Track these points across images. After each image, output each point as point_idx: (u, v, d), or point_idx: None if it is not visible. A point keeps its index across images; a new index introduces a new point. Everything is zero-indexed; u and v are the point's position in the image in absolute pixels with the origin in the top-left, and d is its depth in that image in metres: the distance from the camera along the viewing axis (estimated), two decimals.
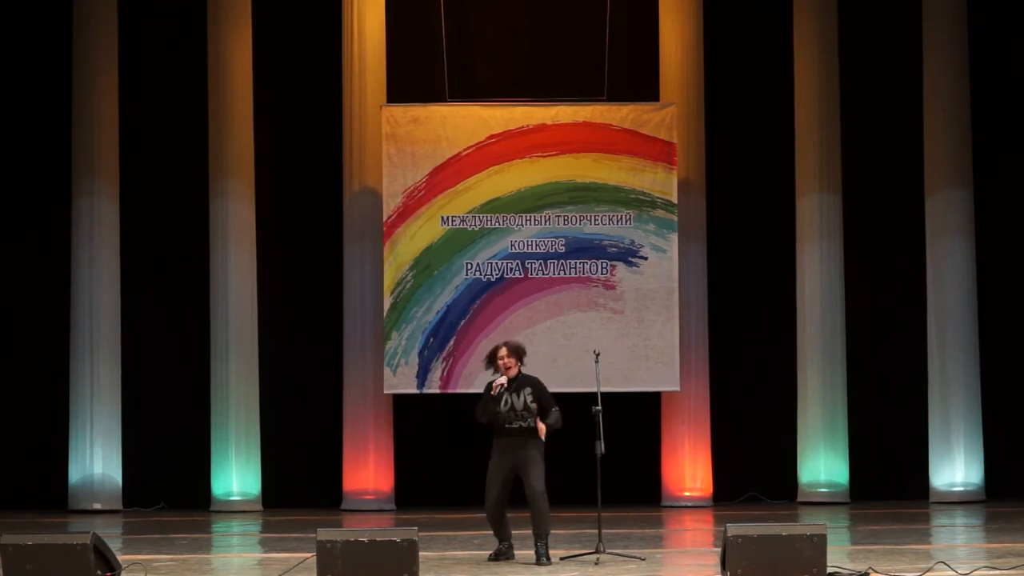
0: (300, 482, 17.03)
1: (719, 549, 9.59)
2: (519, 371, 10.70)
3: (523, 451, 10.57)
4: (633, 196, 16.72)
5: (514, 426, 10.58)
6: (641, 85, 17.16)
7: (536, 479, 10.53)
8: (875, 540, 12.43)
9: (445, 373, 16.57)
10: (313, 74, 17.56)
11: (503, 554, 10.80)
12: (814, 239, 16.91)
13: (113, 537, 12.92)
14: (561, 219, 16.72)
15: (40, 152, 17.40)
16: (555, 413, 10.63)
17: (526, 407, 10.57)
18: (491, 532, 10.97)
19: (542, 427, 10.57)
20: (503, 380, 10.58)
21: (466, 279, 16.67)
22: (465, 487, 14.43)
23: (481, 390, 10.87)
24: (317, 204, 17.43)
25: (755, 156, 17.56)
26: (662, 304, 16.64)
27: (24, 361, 17.16)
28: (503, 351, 10.73)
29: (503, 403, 10.59)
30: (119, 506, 16.49)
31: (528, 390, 10.62)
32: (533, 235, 16.72)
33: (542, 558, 10.46)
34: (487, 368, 10.86)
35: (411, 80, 17.13)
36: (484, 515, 10.83)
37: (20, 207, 17.39)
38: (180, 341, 17.27)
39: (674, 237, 16.72)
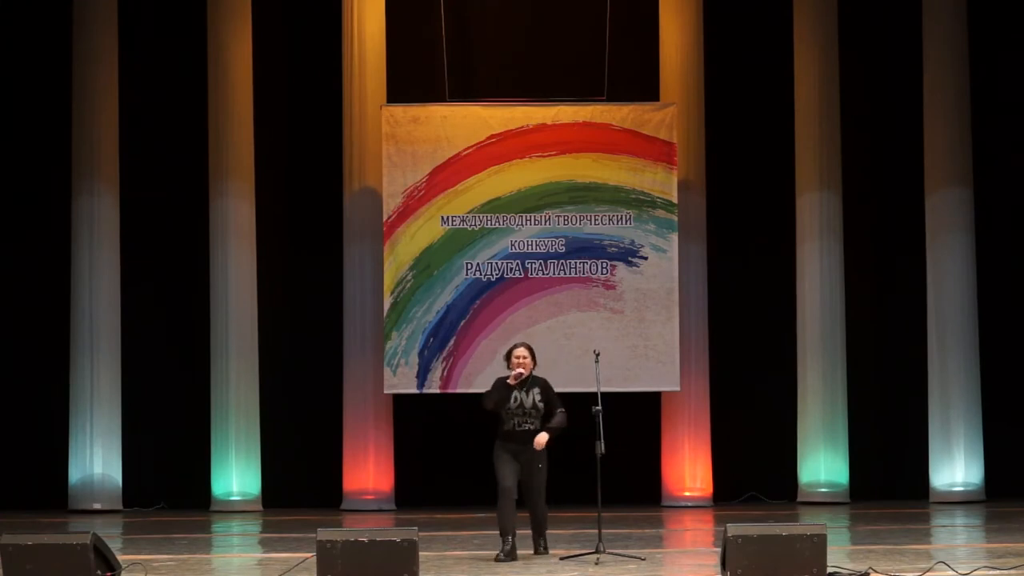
0: (300, 482, 17.03)
1: (719, 549, 9.59)
2: (532, 370, 10.79)
3: (529, 454, 10.69)
4: (633, 196, 16.72)
5: (520, 428, 10.72)
6: (641, 85, 17.16)
7: (537, 480, 10.66)
8: (875, 540, 12.43)
9: (445, 373, 16.57)
10: (313, 74, 17.57)
11: (507, 554, 10.77)
12: (814, 237, 16.91)
13: (113, 537, 12.92)
14: (561, 219, 16.72)
15: (40, 152, 17.40)
16: (561, 415, 10.82)
17: (534, 406, 10.74)
18: (491, 532, 10.97)
19: (541, 440, 10.67)
20: (522, 371, 10.69)
21: (466, 279, 16.67)
22: (465, 487, 14.46)
23: (481, 390, 10.91)
24: (317, 204, 17.43)
25: (755, 156, 17.56)
26: (662, 304, 16.64)
27: (24, 361, 17.16)
28: (521, 348, 10.89)
29: (512, 400, 10.71)
30: (119, 506, 16.49)
31: (537, 390, 10.80)
32: (533, 235, 16.72)
33: (540, 548, 10.61)
34: (507, 365, 10.93)
35: (411, 80, 17.13)
36: (484, 515, 10.87)
37: (20, 207, 17.40)
38: (180, 341, 17.26)
39: (674, 237, 16.72)
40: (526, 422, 10.70)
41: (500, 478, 10.74)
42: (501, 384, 10.82)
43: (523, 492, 10.79)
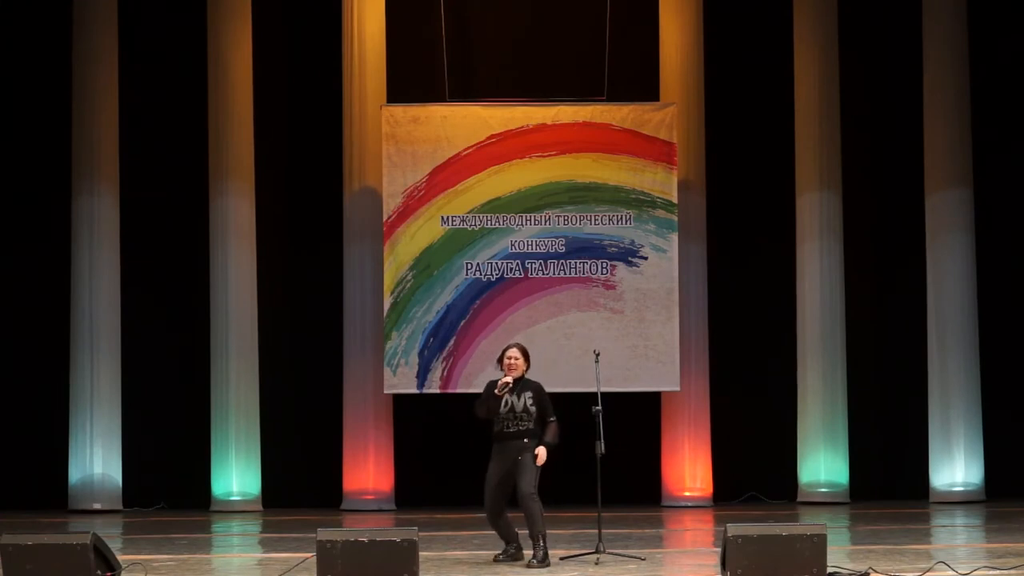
0: (300, 482, 17.03)
1: (719, 549, 9.59)
2: (524, 373, 10.72)
3: (519, 454, 10.56)
4: (633, 196, 16.72)
5: (511, 429, 10.59)
6: (641, 85, 17.17)
7: (527, 482, 10.47)
8: (875, 540, 12.43)
9: (445, 373, 16.58)
10: (313, 74, 17.57)
11: (510, 556, 10.75)
12: (814, 237, 16.91)
13: (113, 537, 12.93)
14: (561, 219, 16.72)
15: (40, 152, 17.41)
16: (553, 426, 10.65)
17: (525, 409, 10.58)
18: (491, 532, 10.96)
19: (542, 453, 10.55)
20: (508, 379, 10.60)
21: (466, 279, 16.67)
22: (465, 487, 14.40)
23: (481, 390, 10.87)
24: (317, 204, 17.43)
25: (755, 156, 17.57)
26: (662, 304, 16.65)
27: (24, 361, 17.16)
28: (513, 350, 10.78)
29: (503, 404, 10.60)
30: (119, 506, 16.49)
31: (529, 394, 10.63)
32: (533, 235, 16.72)
33: (531, 560, 10.36)
34: (499, 367, 10.84)
35: (411, 80, 17.14)
36: (484, 514, 10.83)
37: (20, 207, 17.40)
38: (180, 341, 17.26)
39: (674, 237, 16.72)
40: (516, 424, 10.58)
41: (484, 500, 10.70)
42: (490, 393, 10.69)
43: (516, 494, 10.65)
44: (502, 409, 10.61)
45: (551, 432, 10.66)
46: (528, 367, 10.77)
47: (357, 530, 9.30)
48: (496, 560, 10.74)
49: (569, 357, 16.32)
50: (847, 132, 17.16)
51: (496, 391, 10.60)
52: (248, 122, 16.92)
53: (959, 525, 14.28)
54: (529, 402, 10.59)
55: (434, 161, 16.74)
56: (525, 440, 10.56)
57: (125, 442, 16.59)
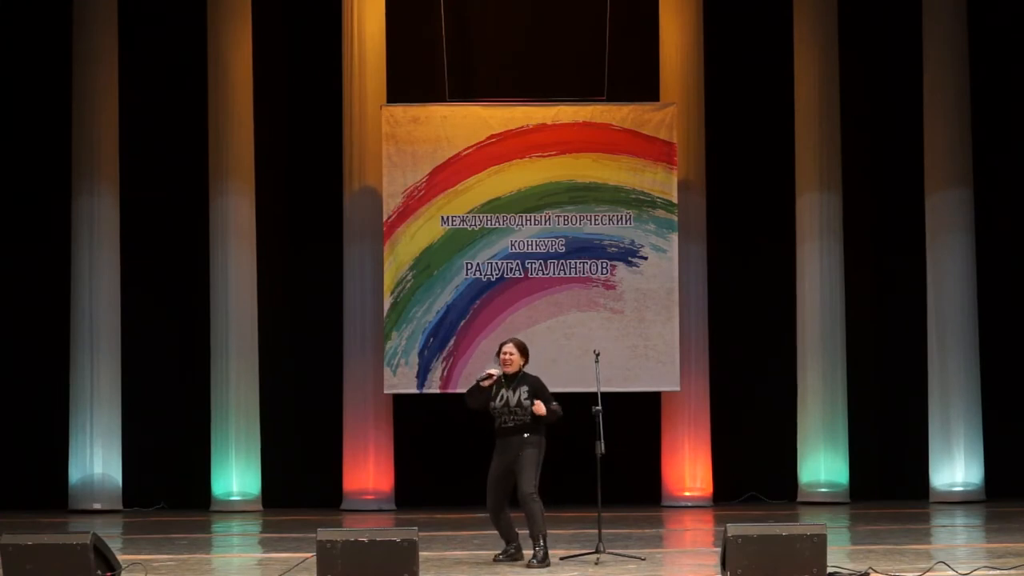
0: (300, 482, 17.03)
1: (719, 549, 9.59)
2: (521, 368, 10.69)
3: (517, 451, 10.52)
4: (633, 196, 16.72)
5: (508, 424, 10.57)
6: (641, 85, 17.17)
7: (526, 481, 10.43)
8: (875, 540, 12.43)
9: (445, 373, 16.58)
10: (313, 74, 17.57)
11: (510, 556, 10.74)
12: (814, 237, 16.91)
13: (113, 537, 12.93)
14: (561, 219, 16.72)
15: (40, 152, 17.40)
16: (555, 405, 10.60)
17: (519, 403, 10.53)
18: (491, 532, 10.98)
19: (540, 406, 10.46)
20: (492, 371, 10.58)
21: (466, 279, 16.68)
22: (465, 487, 14.46)
23: None
24: (317, 204, 17.43)
25: (755, 156, 17.57)
26: (662, 304, 16.65)
27: (24, 361, 17.16)
28: (509, 345, 10.74)
29: (498, 399, 10.58)
30: (119, 506, 16.49)
31: (525, 388, 10.58)
32: (533, 235, 16.72)
33: (531, 560, 10.34)
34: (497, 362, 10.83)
35: (411, 80, 17.14)
36: (484, 514, 10.85)
37: (20, 207, 17.40)
38: (180, 341, 17.27)
39: (674, 237, 16.72)
40: (512, 419, 10.54)
41: (486, 497, 10.70)
42: (477, 384, 10.67)
43: (516, 493, 10.65)
44: (497, 403, 10.59)
45: (553, 405, 10.54)
46: (526, 362, 10.73)
47: (357, 530, 9.30)
48: (496, 560, 10.74)
49: (569, 357, 16.32)
50: (847, 132, 17.16)
51: (480, 382, 10.59)
52: (248, 122, 16.93)
53: (959, 525, 14.28)
54: (524, 396, 10.53)
55: (434, 161, 16.74)
56: (525, 435, 10.52)
57: (125, 442, 16.59)
